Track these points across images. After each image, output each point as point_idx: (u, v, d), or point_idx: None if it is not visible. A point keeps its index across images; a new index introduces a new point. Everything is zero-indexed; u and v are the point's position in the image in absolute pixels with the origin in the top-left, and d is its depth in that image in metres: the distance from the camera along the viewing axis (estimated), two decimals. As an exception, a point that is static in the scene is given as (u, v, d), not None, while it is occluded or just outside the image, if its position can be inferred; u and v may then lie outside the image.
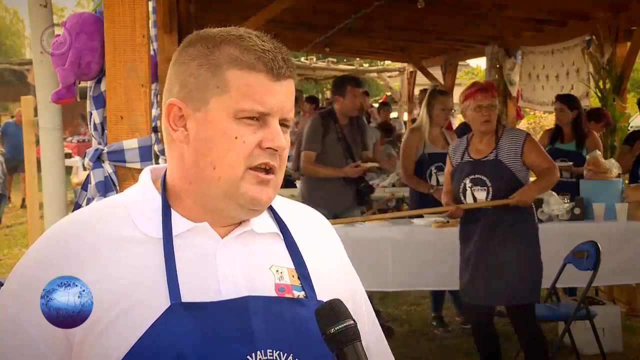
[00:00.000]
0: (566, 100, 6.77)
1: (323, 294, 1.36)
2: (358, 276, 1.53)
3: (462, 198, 4.55)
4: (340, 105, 5.97)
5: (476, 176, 4.50)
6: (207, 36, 1.33)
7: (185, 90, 1.32)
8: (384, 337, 1.56)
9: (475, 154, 4.54)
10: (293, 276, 1.36)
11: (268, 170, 1.31)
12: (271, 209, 1.43)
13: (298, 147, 6.39)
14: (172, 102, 1.33)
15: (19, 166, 12.31)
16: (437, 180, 5.97)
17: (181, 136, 1.33)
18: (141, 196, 1.37)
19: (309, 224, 1.48)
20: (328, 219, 1.57)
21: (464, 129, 7.14)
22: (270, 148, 1.30)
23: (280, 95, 1.31)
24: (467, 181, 4.52)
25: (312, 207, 1.56)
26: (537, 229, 4.56)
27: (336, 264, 1.46)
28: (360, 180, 6.01)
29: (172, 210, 1.34)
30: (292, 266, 1.37)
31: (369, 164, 6.14)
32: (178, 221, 1.33)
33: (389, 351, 1.56)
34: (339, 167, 5.89)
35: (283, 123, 1.33)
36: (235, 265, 1.33)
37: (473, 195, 4.50)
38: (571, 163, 6.36)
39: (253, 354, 1.27)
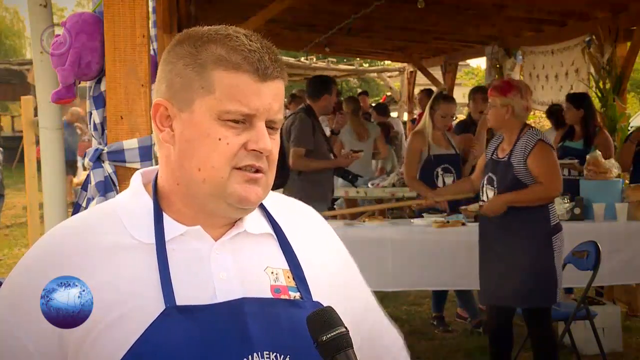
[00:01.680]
0: (571, 99, 6.77)
1: (318, 295, 1.35)
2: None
3: (482, 194, 4.58)
4: (327, 102, 6.11)
5: (490, 175, 4.52)
6: (195, 35, 1.31)
7: (171, 90, 1.31)
8: (392, 326, 1.55)
9: (500, 152, 4.54)
10: (288, 277, 1.35)
11: (256, 170, 1.29)
12: (264, 209, 1.41)
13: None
14: (158, 102, 1.32)
15: (69, 169, 11.35)
16: (444, 182, 5.93)
17: (167, 136, 1.32)
18: (132, 202, 1.35)
19: (302, 222, 1.46)
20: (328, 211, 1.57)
21: (460, 127, 7.16)
22: (255, 150, 1.28)
23: (267, 97, 1.28)
24: (485, 179, 4.56)
25: (312, 202, 1.55)
26: (551, 231, 4.43)
27: (330, 262, 1.44)
28: (347, 173, 6.46)
29: (164, 214, 1.32)
30: (287, 267, 1.36)
31: (360, 153, 6.62)
32: (170, 225, 1.31)
33: (396, 342, 1.56)
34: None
35: (270, 125, 1.30)
36: (230, 268, 1.31)
37: (487, 193, 4.52)
38: (577, 161, 6.36)
39: (250, 356, 1.26)
